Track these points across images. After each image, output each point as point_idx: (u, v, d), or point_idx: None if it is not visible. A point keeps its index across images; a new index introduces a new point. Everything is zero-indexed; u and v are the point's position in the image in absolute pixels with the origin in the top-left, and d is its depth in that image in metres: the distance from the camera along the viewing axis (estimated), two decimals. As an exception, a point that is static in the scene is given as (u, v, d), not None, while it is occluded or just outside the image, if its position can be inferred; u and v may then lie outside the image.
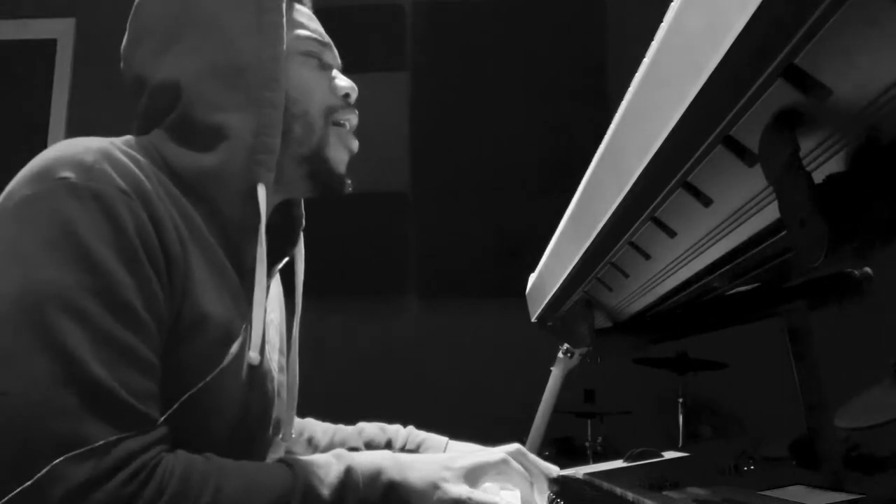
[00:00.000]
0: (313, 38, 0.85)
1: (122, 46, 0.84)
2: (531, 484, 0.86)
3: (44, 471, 0.56)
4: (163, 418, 0.66)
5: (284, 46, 0.80)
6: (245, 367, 0.76)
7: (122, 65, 0.84)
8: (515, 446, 0.87)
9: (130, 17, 0.84)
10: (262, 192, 0.76)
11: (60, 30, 3.27)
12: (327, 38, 0.88)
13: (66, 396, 0.59)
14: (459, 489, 0.76)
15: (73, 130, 3.17)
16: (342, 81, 0.87)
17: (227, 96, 0.77)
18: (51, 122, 3.20)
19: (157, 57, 0.79)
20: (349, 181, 0.87)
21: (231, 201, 0.76)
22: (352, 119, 0.87)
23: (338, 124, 0.85)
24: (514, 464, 0.83)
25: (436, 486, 0.75)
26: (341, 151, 0.86)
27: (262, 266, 0.77)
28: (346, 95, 0.86)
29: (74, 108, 3.21)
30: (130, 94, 0.83)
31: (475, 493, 0.76)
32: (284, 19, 0.80)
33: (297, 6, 0.86)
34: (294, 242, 0.92)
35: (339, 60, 0.90)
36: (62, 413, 0.58)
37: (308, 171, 0.85)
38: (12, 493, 0.56)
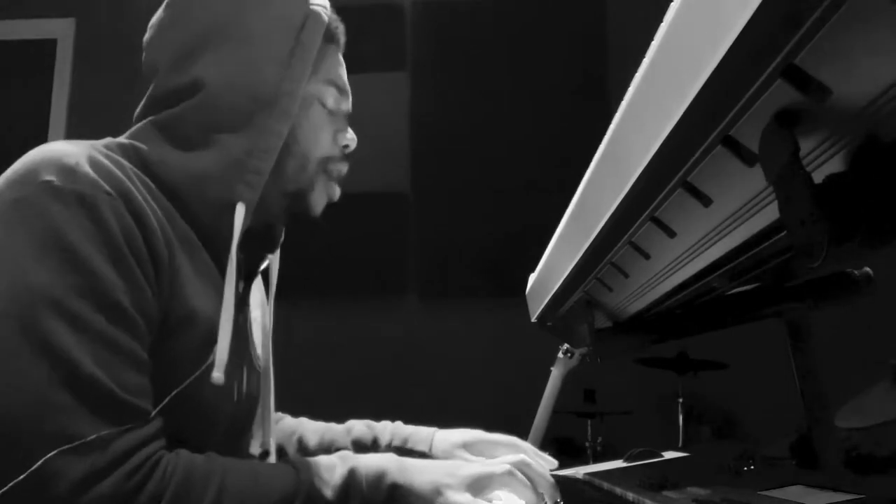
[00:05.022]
0: (335, 85, 0.87)
1: (152, 23, 0.83)
2: (536, 494, 0.85)
3: (37, 464, 0.57)
4: (154, 413, 0.67)
5: (305, 85, 0.80)
6: (229, 364, 0.76)
7: (145, 39, 0.83)
8: (519, 455, 0.87)
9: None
10: (240, 210, 0.76)
11: (60, 30, 3.27)
12: (347, 87, 0.89)
13: (61, 394, 0.59)
14: (463, 497, 0.76)
15: (73, 130, 3.17)
16: (348, 134, 0.89)
17: (232, 115, 0.77)
18: (51, 122, 3.20)
19: (181, 53, 0.79)
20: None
21: (207, 211, 0.76)
22: (342, 170, 0.89)
23: (328, 172, 0.87)
24: (519, 475, 0.82)
25: (439, 492, 0.75)
26: (323, 197, 0.88)
27: (230, 285, 0.77)
28: (346, 146, 0.88)
29: (74, 108, 3.22)
30: (143, 72, 0.83)
31: (478, 503, 0.76)
32: (314, 58, 0.81)
33: (331, 46, 0.87)
34: (272, 249, 0.92)
35: (350, 107, 0.91)
36: (57, 410, 0.59)
37: (287, 206, 0.86)
38: (6, 487, 0.57)
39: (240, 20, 0.79)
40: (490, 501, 0.78)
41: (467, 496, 0.77)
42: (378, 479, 0.74)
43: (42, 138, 3.15)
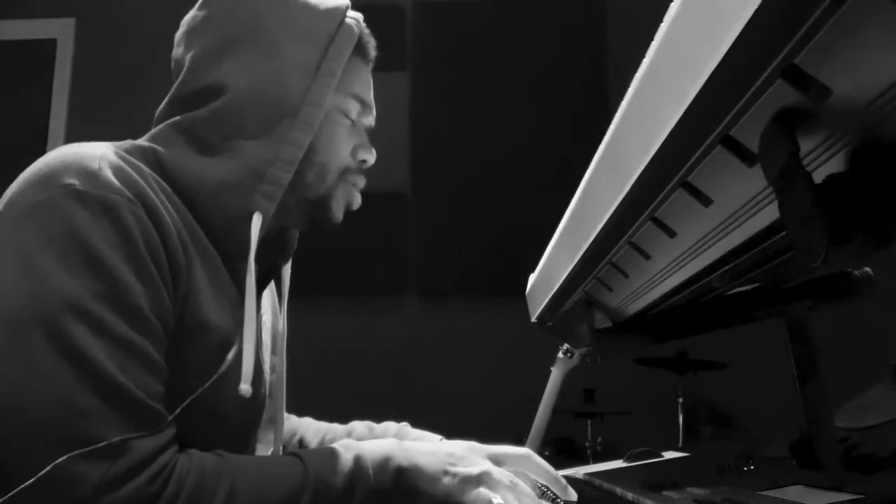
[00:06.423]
0: (359, 100, 0.87)
1: (185, 20, 0.83)
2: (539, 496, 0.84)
3: (49, 467, 0.57)
4: (169, 419, 0.67)
5: (330, 97, 0.80)
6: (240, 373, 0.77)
7: (176, 35, 0.83)
8: (523, 451, 0.87)
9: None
10: (257, 220, 0.76)
11: (60, 30, 3.27)
12: (372, 103, 0.90)
13: (85, 398, 0.60)
14: (470, 469, 0.76)
15: (73, 130, 3.17)
16: (366, 151, 0.89)
17: (253, 122, 0.77)
18: (51, 122, 3.20)
19: (207, 54, 0.79)
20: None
21: (223, 219, 0.76)
22: (360, 183, 0.89)
23: (347, 181, 0.87)
24: (523, 486, 0.81)
25: (445, 472, 0.76)
26: (343, 204, 0.88)
27: (251, 296, 0.77)
28: (364, 161, 0.88)
29: (74, 108, 3.21)
30: (172, 68, 0.83)
31: (493, 468, 0.76)
32: (341, 71, 0.80)
33: (359, 60, 0.87)
34: (287, 258, 0.93)
35: (373, 122, 0.91)
36: (81, 413, 0.59)
37: (308, 212, 0.86)
38: (18, 489, 0.57)
39: (269, 27, 0.79)
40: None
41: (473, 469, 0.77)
42: (384, 463, 0.74)
43: (42, 138, 3.16)
